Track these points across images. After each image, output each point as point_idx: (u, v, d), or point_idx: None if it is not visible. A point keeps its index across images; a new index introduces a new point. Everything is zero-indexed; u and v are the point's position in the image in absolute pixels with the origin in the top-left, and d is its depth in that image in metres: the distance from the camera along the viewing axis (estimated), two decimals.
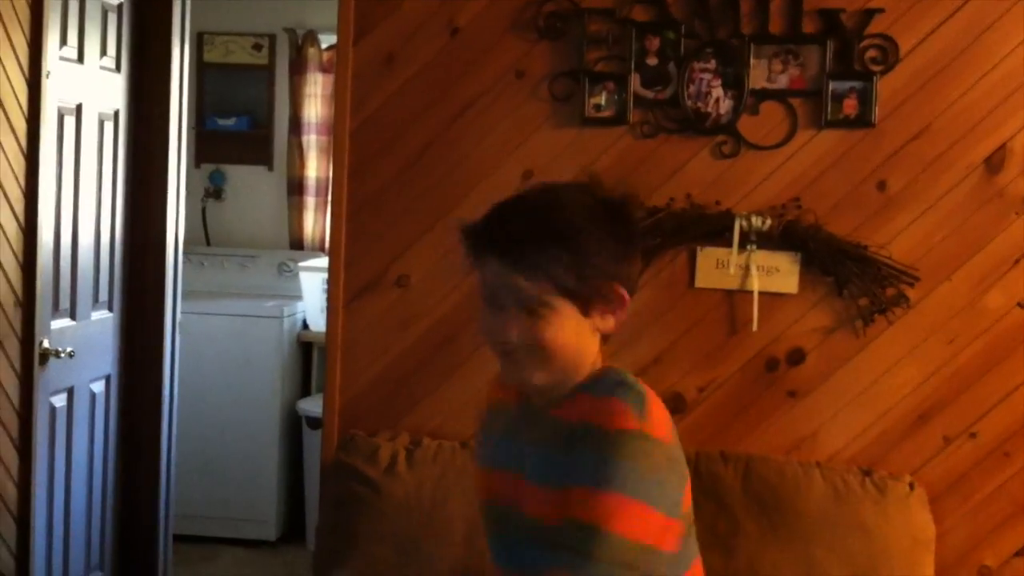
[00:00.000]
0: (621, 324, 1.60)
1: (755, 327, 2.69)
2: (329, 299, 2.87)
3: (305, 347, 5.22)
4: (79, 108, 3.50)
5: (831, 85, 2.67)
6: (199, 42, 5.37)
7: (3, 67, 3.08)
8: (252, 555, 4.88)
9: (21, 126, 3.17)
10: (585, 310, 1.56)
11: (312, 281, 5.18)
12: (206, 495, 4.84)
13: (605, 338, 1.61)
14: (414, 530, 2.49)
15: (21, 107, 3.17)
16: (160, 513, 4.18)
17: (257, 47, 5.47)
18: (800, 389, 2.72)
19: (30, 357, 3.28)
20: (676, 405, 2.74)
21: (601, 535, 1.46)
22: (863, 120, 2.66)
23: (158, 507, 4.17)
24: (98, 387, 3.84)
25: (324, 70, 5.28)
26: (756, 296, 2.69)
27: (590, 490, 1.48)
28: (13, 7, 3.10)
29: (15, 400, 3.25)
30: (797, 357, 2.72)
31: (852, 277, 2.68)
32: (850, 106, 2.67)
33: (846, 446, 2.69)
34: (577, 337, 1.56)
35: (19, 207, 3.21)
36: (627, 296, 1.58)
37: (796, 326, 2.72)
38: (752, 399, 2.73)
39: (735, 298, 2.72)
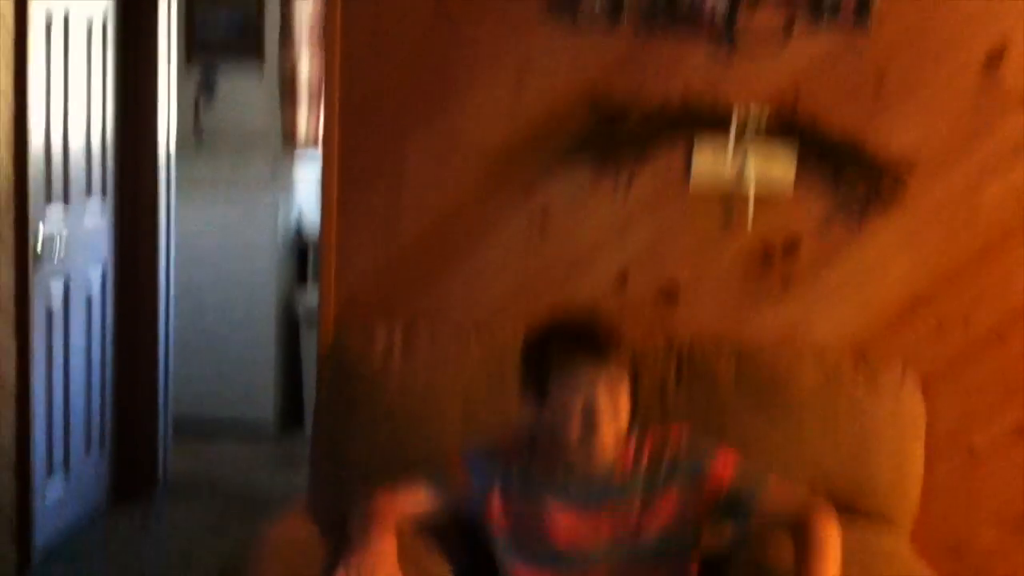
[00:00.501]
0: None
1: (750, 217, 2.71)
2: (323, 194, 2.87)
3: (301, 243, 5.25)
4: (67, 10, 3.47)
5: None
6: None
7: None
8: (252, 443, 4.97)
9: (8, 23, 3.14)
10: (632, 394, 2.08)
11: (306, 177, 5.18)
12: (205, 388, 4.91)
13: None
14: (412, 413, 2.52)
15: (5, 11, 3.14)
16: (159, 400, 4.25)
17: None
18: (794, 279, 2.75)
19: (25, 247, 3.30)
20: (670, 295, 2.77)
21: None
22: (862, 15, 2.63)
23: (157, 395, 4.24)
24: (95, 277, 3.87)
25: None
26: (752, 187, 2.70)
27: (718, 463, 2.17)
28: None
29: (11, 287, 3.27)
30: (792, 247, 2.75)
31: (849, 170, 2.69)
32: (849, 1, 2.65)
33: (839, 334, 2.73)
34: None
35: (7, 102, 3.20)
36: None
37: (791, 217, 2.73)
38: (747, 288, 2.76)
39: (731, 191, 2.73)
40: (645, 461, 2.14)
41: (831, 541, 2.05)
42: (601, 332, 2.11)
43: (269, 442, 5.03)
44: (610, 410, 2.04)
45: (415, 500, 2.18)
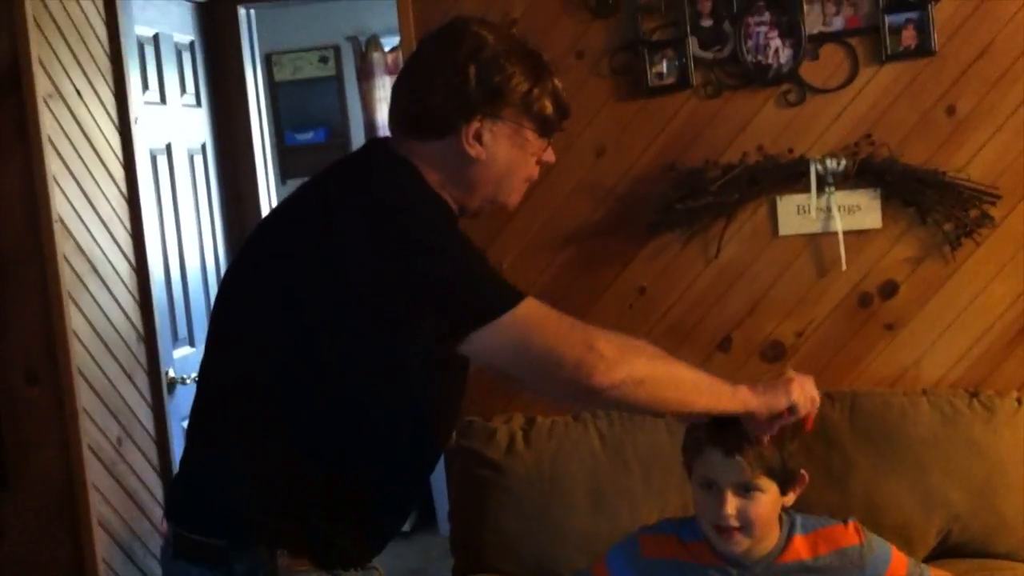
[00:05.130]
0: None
1: (844, 266, 2.74)
2: None
3: None
4: (168, 147, 3.68)
5: (887, 19, 2.68)
6: (268, 63, 5.55)
7: (94, 119, 3.26)
8: (389, 547, 5.04)
9: (119, 172, 3.35)
10: (783, 491, 1.97)
11: None
12: None
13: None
14: (539, 503, 2.60)
15: (116, 154, 3.35)
16: None
17: (323, 59, 5.63)
18: (897, 321, 2.76)
19: (158, 387, 3.48)
20: (775, 352, 2.80)
21: None
22: (923, 49, 2.68)
23: None
24: None
25: (390, 72, 5.40)
26: (841, 236, 2.73)
27: (892, 567, 2.03)
28: (95, 61, 3.28)
29: (150, 429, 3.44)
30: (890, 290, 2.76)
31: (934, 204, 2.70)
32: (908, 37, 2.69)
33: (949, 371, 2.73)
34: (773, 512, 1.98)
35: (128, 247, 3.39)
36: (807, 478, 2.01)
37: (884, 260, 2.76)
38: (850, 336, 2.78)
39: (820, 241, 2.77)
40: (810, 559, 2.02)
41: None
42: (743, 425, 1.94)
43: (406, 545, 5.11)
44: (735, 492, 1.93)
45: None
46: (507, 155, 1.79)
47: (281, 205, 1.85)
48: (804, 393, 1.85)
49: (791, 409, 1.82)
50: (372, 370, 1.70)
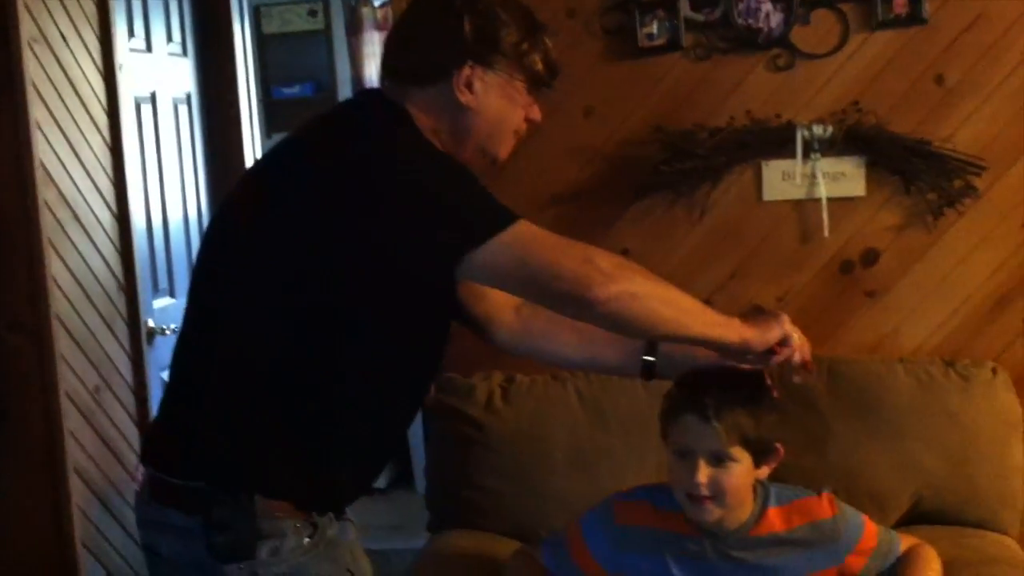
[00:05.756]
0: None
1: (826, 233, 2.75)
2: None
3: None
4: (153, 96, 3.64)
5: None
6: (256, 14, 5.49)
7: (79, 65, 3.22)
8: (364, 503, 5.03)
9: (102, 119, 3.32)
10: (757, 463, 1.97)
11: None
12: None
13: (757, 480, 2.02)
14: (519, 462, 2.61)
15: (100, 101, 3.32)
16: None
17: (312, 13, 5.57)
18: (877, 288, 2.78)
19: (138, 337, 3.46)
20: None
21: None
22: (914, 17, 2.67)
23: None
24: None
25: (380, 28, 5.35)
26: (824, 202, 2.74)
27: (864, 538, 2.04)
28: (80, 6, 3.24)
29: (129, 378, 3.44)
30: (871, 258, 2.77)
31: (919, 173, 2.71)
32: (900, 4, 2.68)
33: (927, 339, 2.75)
34: (746, 483, 1.98)
35: (110, 196, 3.37)
36: (783, 452, 1.99)
37: (867, 227, 2.77)
38: (830, 303, 2.79)
39: (804, 207, 2.77)
40: (784, 531, 2.04)
41: (932, 560, 2.06)
42: (721, 393, 1.94)
43: (382, 501, 5.12)
44: (708, 461, 1.93)
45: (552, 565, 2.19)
46: (497, 105, 1.80)
47: (268, 155, 1.85)
48: (796, 328, 1.84)
49: (783, 341, 1.80)
50: (359, 312, 1.70)
